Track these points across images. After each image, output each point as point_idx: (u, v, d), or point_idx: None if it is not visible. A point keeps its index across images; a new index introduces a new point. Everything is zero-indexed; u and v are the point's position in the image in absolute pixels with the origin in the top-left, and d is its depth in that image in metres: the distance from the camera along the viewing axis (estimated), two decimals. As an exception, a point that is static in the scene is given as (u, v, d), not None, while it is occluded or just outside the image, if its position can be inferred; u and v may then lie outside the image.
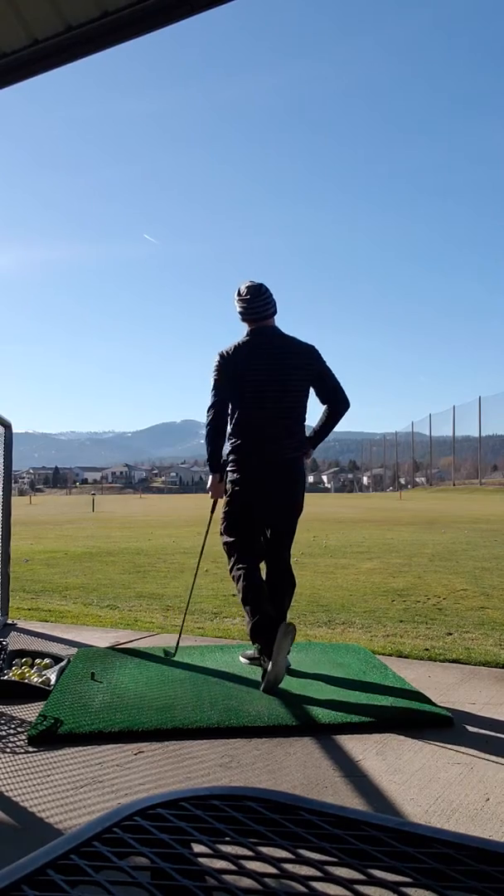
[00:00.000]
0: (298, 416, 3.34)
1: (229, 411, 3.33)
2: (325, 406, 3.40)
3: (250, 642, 3.16)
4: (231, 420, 3.33)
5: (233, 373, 3.27)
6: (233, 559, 3.29)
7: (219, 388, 3.31)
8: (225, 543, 3.35)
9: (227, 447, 3.36)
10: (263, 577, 3.32)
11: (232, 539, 3.31)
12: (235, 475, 3.29)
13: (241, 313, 3.35)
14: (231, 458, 3.33)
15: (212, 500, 3.53)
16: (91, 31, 3.02)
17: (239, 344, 3.32)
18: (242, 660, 3.47)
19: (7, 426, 4.62)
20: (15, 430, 4.76)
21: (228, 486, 3.33)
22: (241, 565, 3.23)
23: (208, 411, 3.32)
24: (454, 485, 48.89)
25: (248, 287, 3.33)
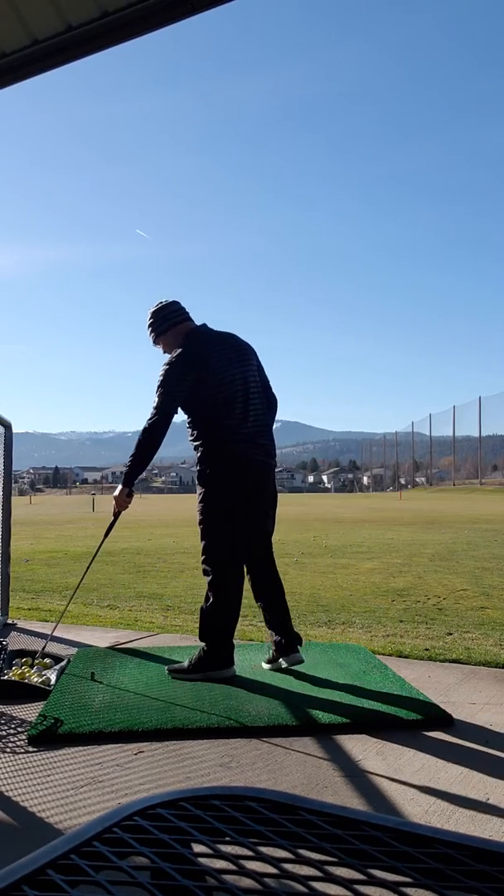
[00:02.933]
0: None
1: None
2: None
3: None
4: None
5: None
6: None
7: None
8: None
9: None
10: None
11: None
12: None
13: (156, 326, 3.33)
14: None
15: None
16: (91, 31, 3.01)
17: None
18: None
19: (7, 426, 4.62)
20: (15, 430, 4.76)
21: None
22: None
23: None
24: (454, 485, 48.88)
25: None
